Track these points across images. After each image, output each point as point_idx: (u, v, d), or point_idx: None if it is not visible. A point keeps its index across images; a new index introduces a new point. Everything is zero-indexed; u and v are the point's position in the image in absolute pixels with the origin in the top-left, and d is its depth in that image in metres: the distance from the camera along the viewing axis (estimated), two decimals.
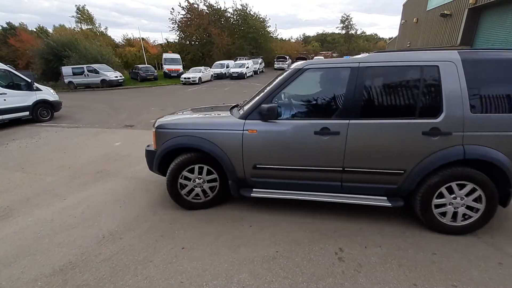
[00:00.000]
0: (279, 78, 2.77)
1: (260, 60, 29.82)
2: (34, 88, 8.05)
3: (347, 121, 2.41)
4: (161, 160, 2.91)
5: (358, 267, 2.09)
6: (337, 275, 2.02)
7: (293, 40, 54.35)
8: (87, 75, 18.96)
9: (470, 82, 2.24)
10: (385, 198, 2.54)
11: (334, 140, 2.45)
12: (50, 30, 37.25)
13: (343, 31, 49.85)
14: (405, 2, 22.57)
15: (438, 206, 2.42)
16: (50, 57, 21.84)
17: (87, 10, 38.33)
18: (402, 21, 23.14)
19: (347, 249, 2.29)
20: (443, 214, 2.43)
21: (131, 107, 10.50)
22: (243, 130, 2.63)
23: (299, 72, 2.59)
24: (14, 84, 7.66)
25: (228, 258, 2.22)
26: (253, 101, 2.78)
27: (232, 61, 26.43)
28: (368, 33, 64.86)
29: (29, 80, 8.05)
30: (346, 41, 49.16)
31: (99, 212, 2.97)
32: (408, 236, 2.45)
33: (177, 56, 25.57)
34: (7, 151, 5.46)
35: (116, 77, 19.54)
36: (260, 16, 38.13)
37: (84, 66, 19.11)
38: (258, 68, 27.94)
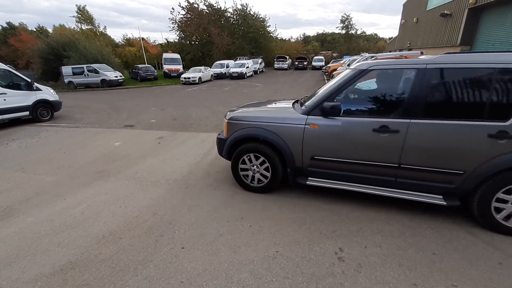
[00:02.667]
0: (343, 77, 2.88)
1: (260, 60, 29.80)
2: (34, 88, 8.04)
3: (408, 120, 2.48)
4: (230, 147, 3.32)
5: (358, 267, 2.09)
6: (337, 275, 2.02)
7: (293, 40, 54.32)
8: (87, 75, 18.95)
9: None
10: (441, 196, 2.56)
11: (392, 138, 2.54)
12: (50, 30, 37.31)
13: (343, 31, 49.77)
14: (405, 2, 22.57)
15: (497, 208, 2.40)
16: (50, 57, 21.84)
17: (87, 11, 38.38)
18: (402, 21, 23.14)
19: (347, 249, 2.29)
20: (504, 216, 2.41)
21: (131, 107, 10.50)
22: (305, 124, 2.86)
23: (363, 72, 2.71)
24: (14, 84, 7.65)
25: (228, 258, 2.22)
26: (316, 99, 2.95)
27: (232, 61, 26.41)
28: (368, 33, 64.82)
29: (29, 80, 8.04)
30: (346, 41, 49.05)
31: (99, 212, 2.97)
32: (408, 236, 2.45)
33: (177, 56, 25.55)
34: (7, 151, 5.46)
35: (116, 77, 19.52)
36: (260, 16, 38.15)
37: (84, 66, 19.09)
38: (258, 68, 27.92)
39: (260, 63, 29.40)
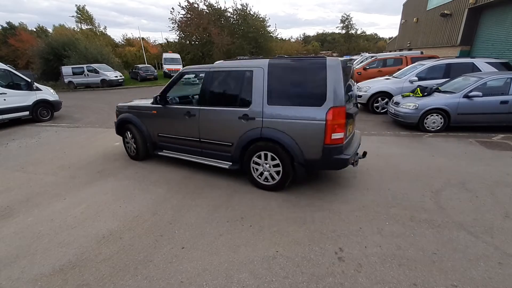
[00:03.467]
0: (172, 77, 4.01)
1: None
2: (34, 88, 8.05)
3: (199, 107, 3.58)
4: (117, 127, 4.70)
5: (358, 267, 2.09)
6: (337, 275, 2.02)
7: (293, 40, 54.25)
8: (87, 75, 18.94)
9: (270, 82, 3.05)
10: (230, 163, 3.50)
11: (193, 120, 3.62)
12: (50, 30, 37.29)
13: (343, 31, 49.81)
14: (405, 2, 22.54)
15: (254, 168, 3.33)
16: (50, 57, 21.84)
17: (86, 11, 38.36)
18: (402, 20, 23.12)
19: (347, 249, 2.29)
20: (261, 175, 3.32)
21: None
22: (151, 111, 4.07)
23: (180, 74, 3.95)
24: (14, 84, 7.66)
25: (228, 258, 2.22)
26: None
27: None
28: (368, 32, 64.81)
29: (29, 80, 8.05)
30: (346, 40, 49.11)
31: (99, 212, 2.97)
32: (407, 236, 2.45)
33: (177, 56, 25.55)
34: (7, 151, 5.46)
35: (116, 77, 19.53)
36: (260, 16, 37.99)
37: (84, 66, 19.10)
38: None
39: None
